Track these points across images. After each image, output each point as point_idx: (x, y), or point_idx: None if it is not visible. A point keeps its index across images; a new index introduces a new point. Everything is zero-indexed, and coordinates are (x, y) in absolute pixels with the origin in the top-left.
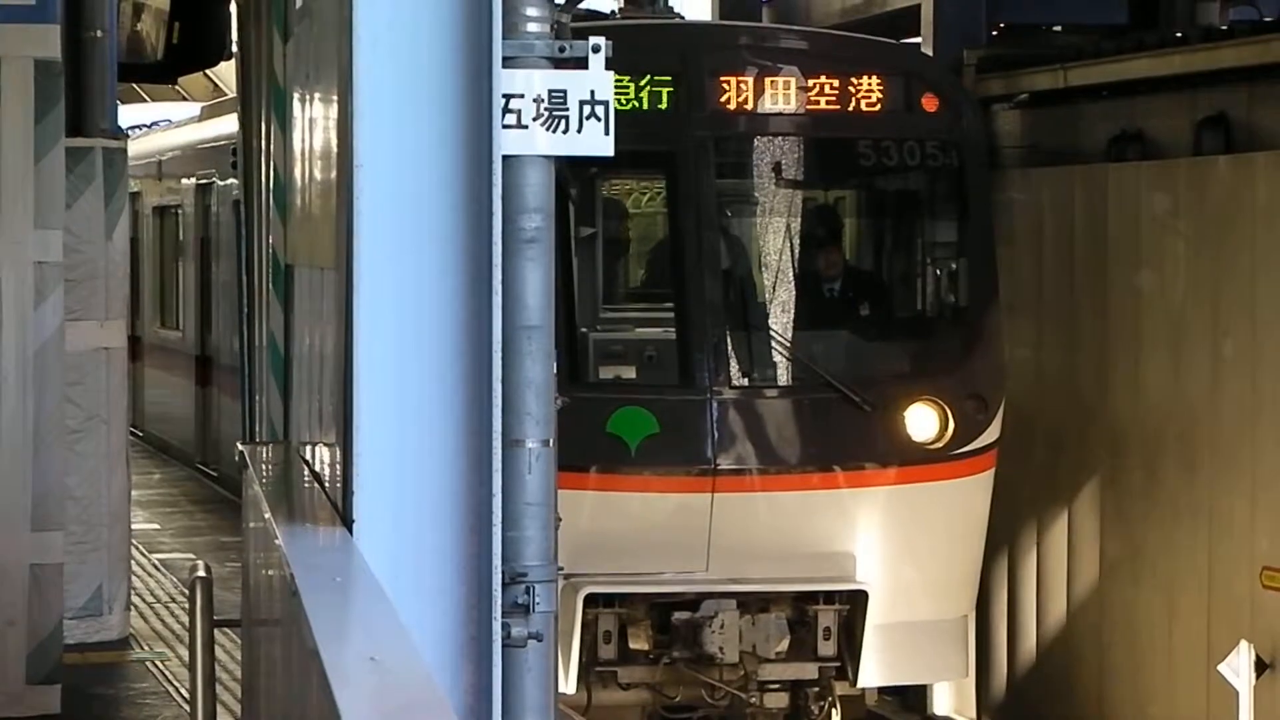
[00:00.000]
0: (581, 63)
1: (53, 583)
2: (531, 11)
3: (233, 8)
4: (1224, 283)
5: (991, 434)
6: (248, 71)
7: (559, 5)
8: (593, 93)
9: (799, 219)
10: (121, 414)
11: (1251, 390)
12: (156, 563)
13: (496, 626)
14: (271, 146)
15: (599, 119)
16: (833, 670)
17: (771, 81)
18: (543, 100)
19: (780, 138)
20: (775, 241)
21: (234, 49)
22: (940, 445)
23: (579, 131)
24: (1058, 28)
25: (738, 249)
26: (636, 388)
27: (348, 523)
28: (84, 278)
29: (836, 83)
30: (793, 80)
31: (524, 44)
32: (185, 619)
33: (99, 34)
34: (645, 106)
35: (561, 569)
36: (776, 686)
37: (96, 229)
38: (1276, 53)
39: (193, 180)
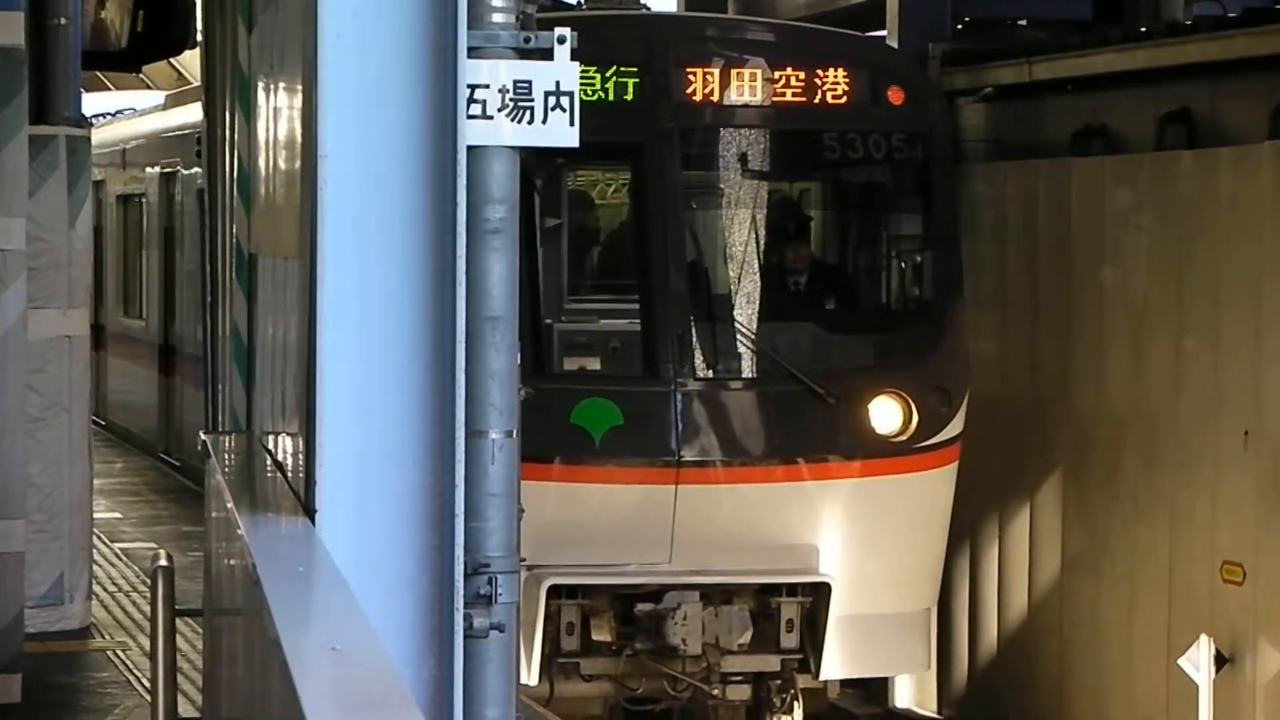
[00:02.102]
0: (547, 54)
1: (13, 571)
2: (497, 2)
3: None
4: (1186, 278)
5: (955, 427)
6: (212, 60)
7: None
8: (558, 84)
9: (764, 211)
10: (84, 402)
11: (1213, 386)
12: (118, 552)
13: (458, 617)
14: (236, 136)
15: (564, 110)
16: (795, 663)
17: (738, 73)
18: (508, 91)
19: (746, 129)
20: (740, 233)
21: (199, 37)
22: (904, 438)
23: (544, 122)
24: (1023, 22)
25: (703, 240)
26: (601, 379)
27: (310, 513)
28: (46, 266)
29: (802, 75)
30: (759, 72)
31: (489, 34)
32: (147, 608)
33: (63, 21)
34: (611, 98)
35: (524, 560)
36: (739, 679)
37: (59, 217)
38: (1240, 48)
39: (157, 169)
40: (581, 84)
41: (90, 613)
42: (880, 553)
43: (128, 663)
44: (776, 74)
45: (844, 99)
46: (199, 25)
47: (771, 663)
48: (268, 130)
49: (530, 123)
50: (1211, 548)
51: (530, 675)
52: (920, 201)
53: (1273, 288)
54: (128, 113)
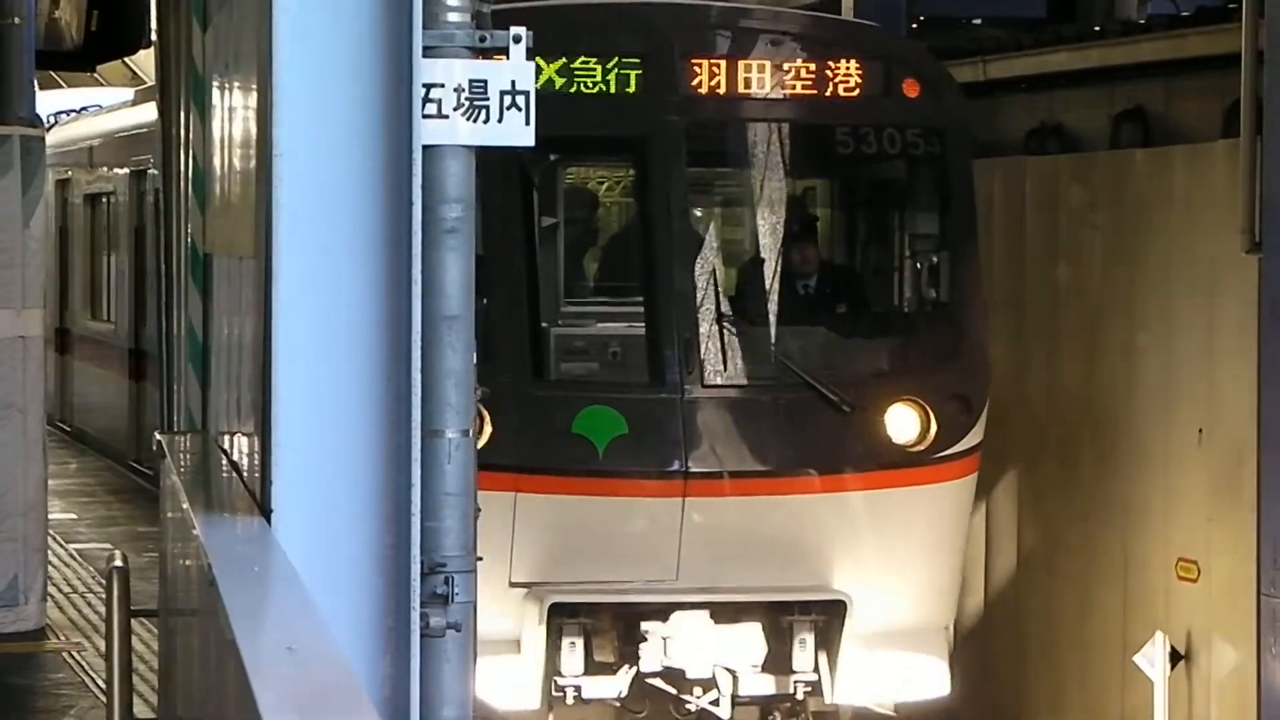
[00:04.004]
0: (503, 53)
1: None
2: (452, 1)
3: None
4: (1140, 275)
5: (975, 436)
6: (167, 59)
7: None
8: (513, 83)
9: (774, 209)
10: (39, 403)
11: (1167, 383)
12: (73, 553)
13: (415, 617)
14: (191, 135)
15: (520, 109)
16: (808, 685)
17: (745, 64)
18: (463, 90)
19: (755, 124)
20: (749, 233)
21: (153, 36)
22: (922, 448)
23: (500, 121)
24: (977, 21)
25: (710, 241)
26: (603, 386)
27: (266, 513)
28: (1, 266)
29: (814, 66)
30: (768, 63)
31: (444, 34)
32: (102, 609)
33: (16, 21)
34: (613, 90)
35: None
36: (747, 701)
37: (13, 217)
38: (1194, 47)
39: (126, 167)
40: (581, 76)
41: (45, 614)
42: (897, 568)
43: (83, 664)
44: (786, 65)
45: (857, 91)
46: (153, 24)
47: (784, 685)
48: (223, 129)
49: (486, 122)
50: (1166, 545)
51: (530, 699)
52: (937, 199)
53: (1226, 286)
54: (93, 110)
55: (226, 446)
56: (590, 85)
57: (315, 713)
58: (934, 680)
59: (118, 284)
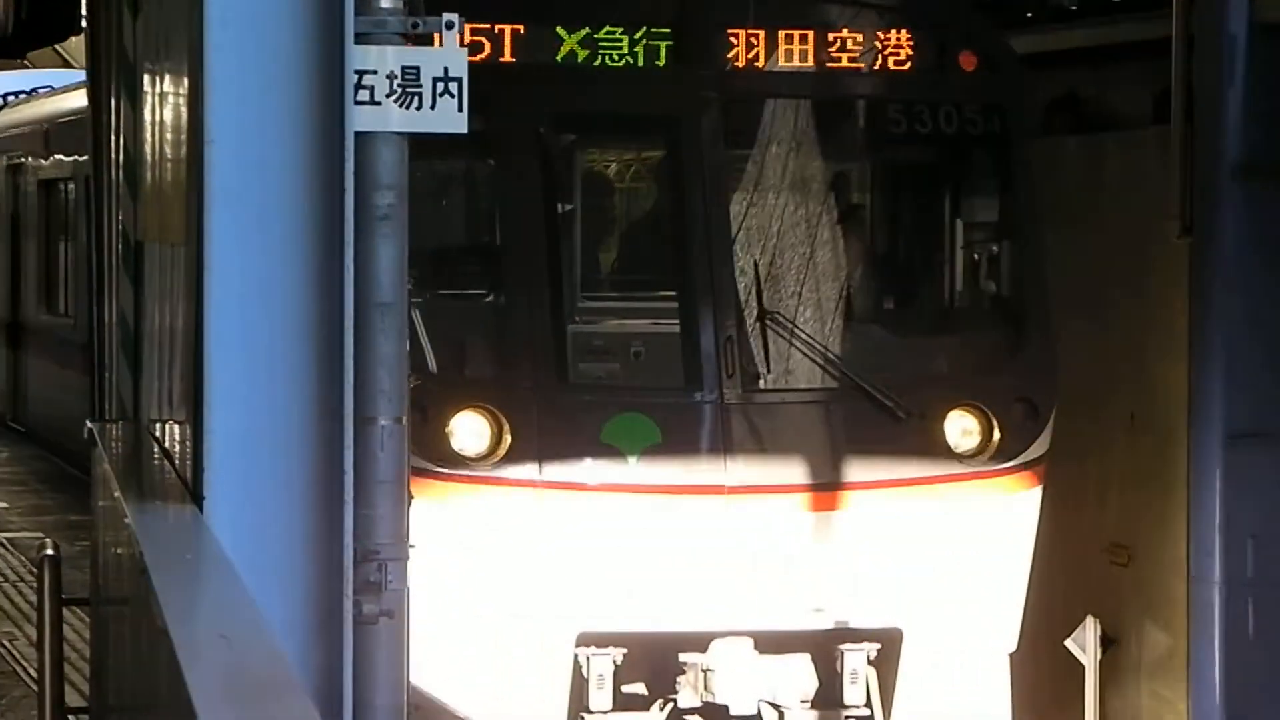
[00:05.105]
0: (434, 39)
1: None
2: None
3: None
4: (1072, 261)
5: (1042, 444)
6: (97, 47)
7: None
8: (446, 69)
9: (818, 195)
10: None
11: (1100, 369)
12: (4, 541)
13: (348, 604)
14: (122, 122)
15: (453, 95)
16: None
17: (787, 35)
18: (396, 77)
19: (797, 101)
20: (793, 222)
21: (83, 24)
22: (984, 457)
23: (432, 108)
24: None
25: (750, 230)
26: (634, 390)
27: (198, 500)
28: None
29: (860, 37)
30: (811, 34)
31: (377, 20)
32: (34, 598)
33: None
34: (641, 63)
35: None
36: None
37: None
38: (1126, 33)
39: (84, 153)
40: (607, 48)
41: None
42: (958, 589)
43: (14, 653)
44: (831, 36)
45: (908, 65)
46: (83, 12)
47: None
48: (154, 116)
49: (419, 109)
50: (1098, 530)
51: None
52: (997, 183)
53: (1158, 272)
54: (44, 90)
55: (158, 434)
56: (617, 58)
57: (248, 700)
58: (998, 712)
59: (75, 275)
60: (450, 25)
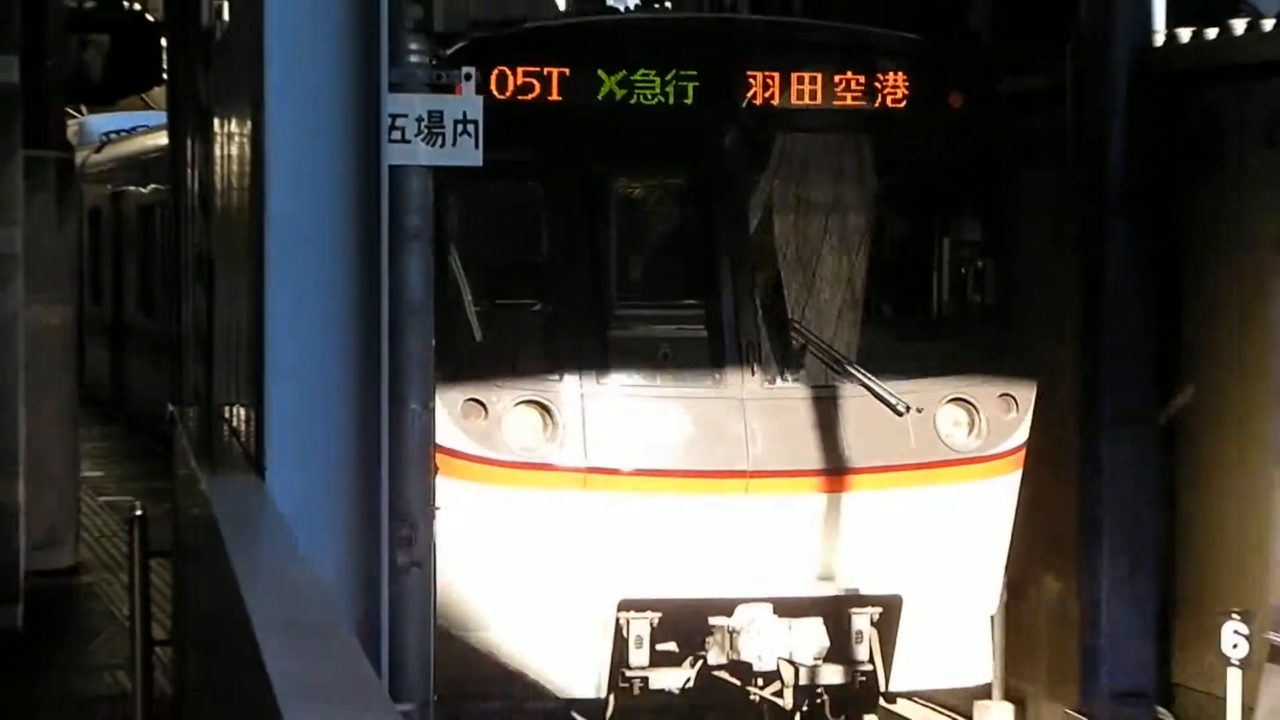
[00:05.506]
0: (455, 89)
1: (15, 518)
2: (414, 46)
3: (163, 42)
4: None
5: (1021, 434)
6: (176, 95)
7: (438, 36)
8: (465, 113)
9: (825, 217)
10: (71, 381)
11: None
12: (102, 504)
13: (384, 557)
14: (196, 157)
15: (470, 135)
16: (864, 675)
17: (798, 77)
18: (423, 119)
19: (808, 134)
20: (803, 240)
21: (164, 76)
22: (972, 445)
23: (454, 145)
24: None
25: (766, 247)
26: (666, 387)
27: (260, 470)
28: (40, 267)
29: (863, 79)
30: (819, 76)
31: (407, 72)
32: (126, 550)
33: (51, 63)
34: (671, 101)
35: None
36: (809, 691)
37: (50, 225)
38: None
39: None
40: (641, 88)
41: (79, 554)
42: (949, 561)
43: (109, 596)
44: (836, 78)
45: (904, 103)
46: (164, 66)
47: (844, 675)
48: (222, 153)
49: (443, 146)
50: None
51: (597, 689)
52: (982, 207)
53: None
54: (140, 130)
55: (227, 416)
56: (650, 96)
57: (301, 635)
58: (980, 668)
59: (164, 285)
60: (468, 77)
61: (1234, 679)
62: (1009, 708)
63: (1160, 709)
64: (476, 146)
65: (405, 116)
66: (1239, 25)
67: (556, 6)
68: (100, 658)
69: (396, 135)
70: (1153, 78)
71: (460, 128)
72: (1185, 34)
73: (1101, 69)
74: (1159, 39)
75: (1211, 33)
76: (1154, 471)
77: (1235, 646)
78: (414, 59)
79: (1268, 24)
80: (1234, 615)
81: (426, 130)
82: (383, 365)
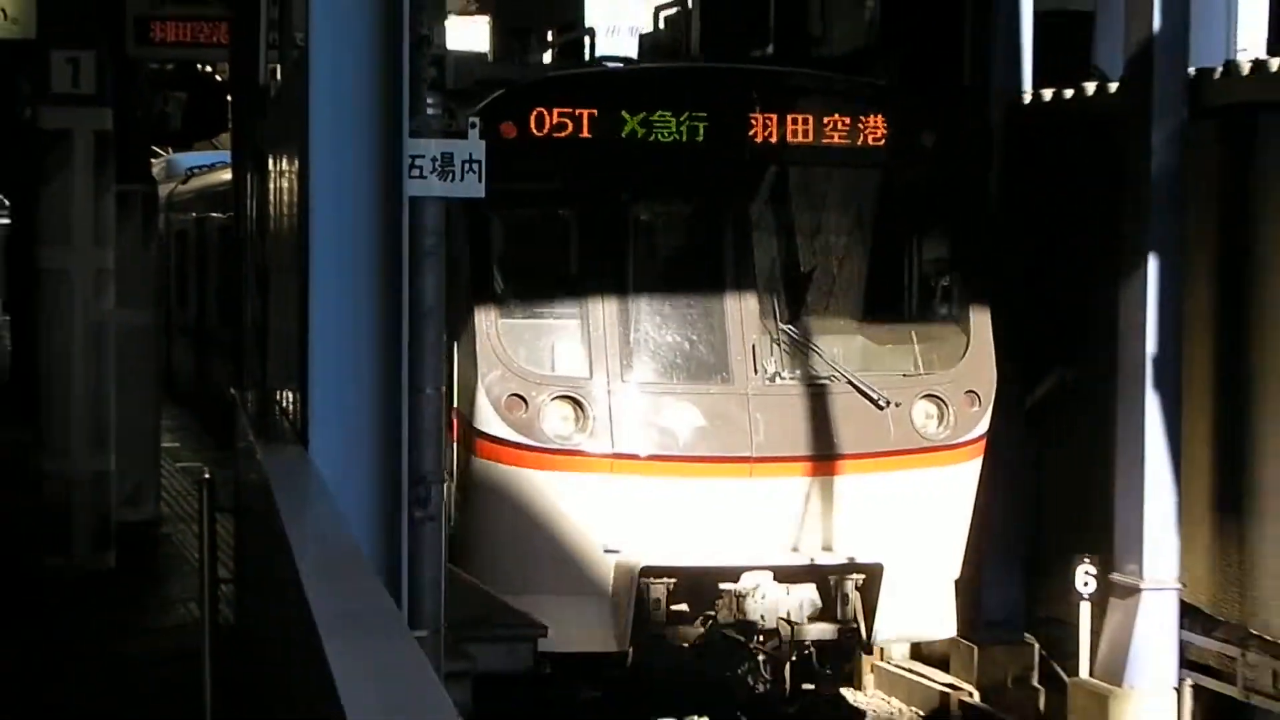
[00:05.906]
0: (464, 134)
1: (109, 480)
2: (430, 100)
3: (229, 97)
4: None
5: (984, 425)
6: (238, 139)
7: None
8: (470, 154)
9: (818, 237)
10: (153, 370)
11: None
12: (178, 469)
13: (404, 513)
14: (253, 189)
15: (474, 172)
16: (849, 632)
17: (793, 119)
18: (437, 159)
19: (802, 167)
20: (798, 258)
21: (229, 124)
22: (942, 436)
23: (461, 180)
24: None
25: (768, 264)
26: (683, 384)
27: (305, 443)
28: (129, 279)
29: (848, 120)
30: (811, 118)
31: (424, 120)
32: (196, 506)
33: (139, 113)
34: (685, 139)
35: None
36: (800, 642)
37: (138, 246)
38: None
39: None
40: (659, 127)
41: (159, 509)
42: (922, 533)
43: (183, 543)
44: (825, 119)
45: (884, 141)
46: (229, 116)
47: (833, 632)
48: (275, 186)
49: (453, 180)
50: None
51: (620, 643)
52: (951, 228)
53: None
54: (219, 165)
55: (278, 399)
56: (667, 135)
57: (336, 577)
58: (947, 623)
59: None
60: (473, 125)
61: (1084, 611)
62: None
63: (1027, 634)
64: (480, 181)
65: (423, 157)
66: (1090, 87)
67: (545, 71)
68: (176, 592)
69: (415, 172)
70: (1024, 125)
71: (467, 166)
72: (1047, 93)
73: (982, 118)
74: (1026, 97)
75: (1069, 92)
76: (1022, 447)
77: (1085, 585)
78: (430, 110)
79: (1113, 86)
80: (1085, 559)
81: (439, 168)
82: (403, 357)
